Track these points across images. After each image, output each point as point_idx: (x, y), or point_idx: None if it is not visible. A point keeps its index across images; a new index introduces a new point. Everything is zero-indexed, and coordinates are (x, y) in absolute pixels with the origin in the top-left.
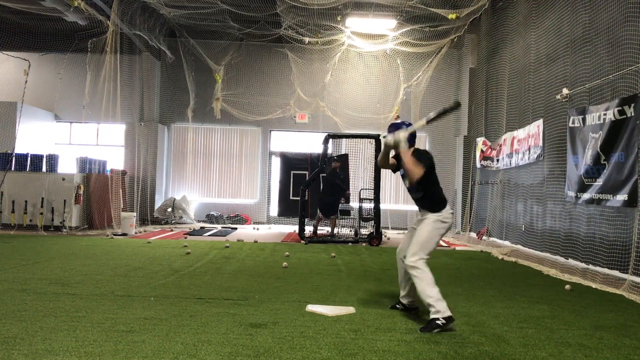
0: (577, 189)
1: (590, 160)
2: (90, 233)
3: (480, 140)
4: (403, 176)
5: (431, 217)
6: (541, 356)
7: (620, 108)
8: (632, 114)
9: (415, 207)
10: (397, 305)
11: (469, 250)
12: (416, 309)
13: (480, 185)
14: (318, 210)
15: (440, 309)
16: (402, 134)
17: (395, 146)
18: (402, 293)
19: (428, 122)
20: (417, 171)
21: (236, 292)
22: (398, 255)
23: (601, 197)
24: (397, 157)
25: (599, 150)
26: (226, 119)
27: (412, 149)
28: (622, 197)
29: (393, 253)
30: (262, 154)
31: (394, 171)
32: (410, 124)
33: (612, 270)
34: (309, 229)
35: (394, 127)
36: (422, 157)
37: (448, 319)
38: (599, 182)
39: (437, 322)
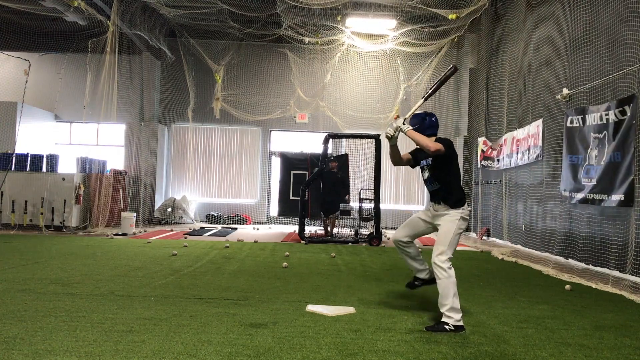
0: (574, 189)
1: (594, 161)
2: (91, 233)
3: (480, 140)
4: (422, 168)
5: (454, 214)
6: (541, 356)
7: (621, 108)
8: (629, 114)
9: (419, 207)
10: (416, 282)
11: (469, 250)
12: (433, 281)
13: (480, 185)
14: (320, 211)
15: (453, 316)
16: (399, 120)
17: (396, 135)
18: (420, 268)
19: (426, 98)
20: (431, 144)
21: (236, 292)
22: (399, 240)
23: (596, 197)
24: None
25: (611, 151)
26: (226, 119)
27: (432, 138)
28: (617, 197)
29: (393, 253)
30: (262, 154)
31: (413, 166)
32: (432, 114)
33: (612, 270)
34: (309, 229)
35: (415, 118)
36: (442, 140)
37: (458, 328)
38: (594, 182)
39: (446, 327)
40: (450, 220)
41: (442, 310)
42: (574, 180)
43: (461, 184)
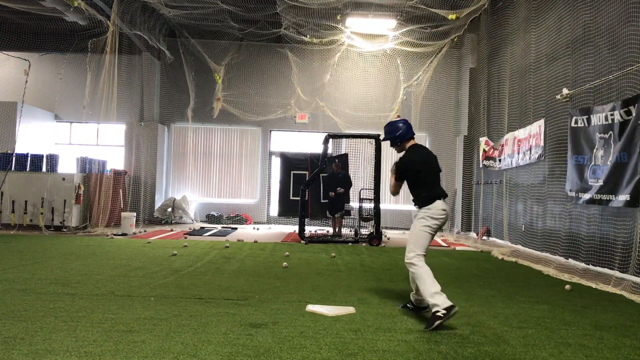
0: (580, 189)
1: (600, 161)
2: (91, 233)
3: (482, 140)
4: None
5: (420, 213)
6: (541, 356)
7: (626, 109)
8: (634, 114)
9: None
10: (408, 305)
11: (469, 250)
12: (425, 308)
13: (482, 185)
14: (327, 211)
15: (438, 302)
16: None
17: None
18: (413, 291)
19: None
20: (391, 190)
21: (236, 292)
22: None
23: (603, 198)
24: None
25: (617, 151)
26: (226, 119)
27: (404, 149)
28: (624, 197)
29: (393, 253)
30: (262, 154)
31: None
32: (405, 121)
33: (612, 270)
34: (309, 229)
35: (388, 126)
36: (400, 166)
37: (448, 309)
38: (601, 182)
39: (437, 314)
40: (417, 219)
41: (426, 300)
42: (580, 181)
43: (430, 186)
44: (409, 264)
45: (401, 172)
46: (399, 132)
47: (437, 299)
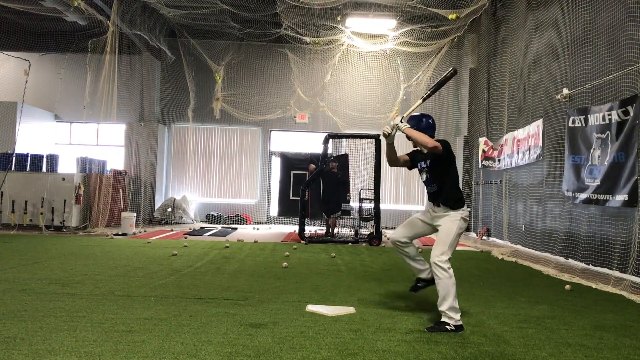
0: (577, 189)
1: (597, 161)
2: (91, 233)
3: (481, 140)
4: (420, 170)
5: (455, 215)
6: (541, 356)
7: (624, 109)
8: (632, 114)
9: (419, 207)
10: (419, 284)
11: (469, 250)
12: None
13: (481, 185)
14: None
15: (453, 317)
16: (397, 119)
17: (393, 132)
18: (421, 268)
19: (424, 99)
20: (429, 140)
21: (236, 292)
22: (397, 240)
23: (599, 198)
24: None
25: (615, 151)
26: (226, 119)
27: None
28: (621, 197)
29: (393, 253)
30: (262, 154)
31: (410, 168)
32: (427, 119)
33: (612, 270)
34: (309, 229)
35: (412, 119)
36: (440, 142)
37: (458, 328)
38: (598, 182)
39: (447, 327)
40: (451, 221)
41: (441, 310)
42: (577, 181)
43: (460, 185)
44: (438, 267)
45: (445, 147)
46: (417, 125)
47: (453, 314)
